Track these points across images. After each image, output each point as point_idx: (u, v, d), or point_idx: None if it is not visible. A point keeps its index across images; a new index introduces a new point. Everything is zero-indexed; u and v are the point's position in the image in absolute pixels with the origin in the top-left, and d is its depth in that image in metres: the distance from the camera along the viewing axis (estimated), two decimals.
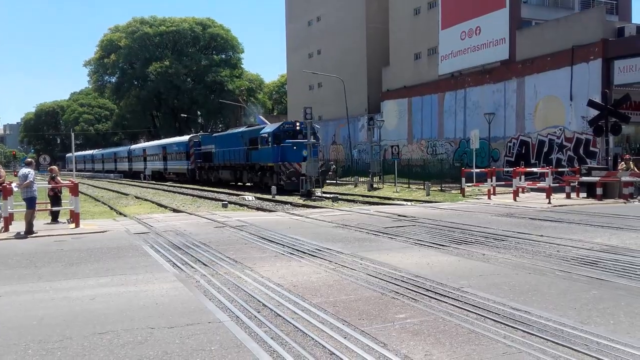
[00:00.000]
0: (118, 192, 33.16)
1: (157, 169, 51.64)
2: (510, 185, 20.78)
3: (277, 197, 23.46)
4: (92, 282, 7.17)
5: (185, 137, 45.89)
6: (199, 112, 78.01)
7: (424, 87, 37.57)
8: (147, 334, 4.98)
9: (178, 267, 8.14)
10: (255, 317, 5.48)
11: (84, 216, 15.93)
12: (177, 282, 7.13)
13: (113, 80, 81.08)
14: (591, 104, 21.65)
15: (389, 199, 22.78)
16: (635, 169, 19.84)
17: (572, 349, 4.45)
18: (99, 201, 25.80)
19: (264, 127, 30.36)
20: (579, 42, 25.22)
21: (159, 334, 5.00)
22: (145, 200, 25.66)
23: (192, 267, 8.06)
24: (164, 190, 33.88)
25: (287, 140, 27.50)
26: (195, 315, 5.54)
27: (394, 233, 11.35)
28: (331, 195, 23.76)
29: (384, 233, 11.39)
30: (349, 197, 23.69)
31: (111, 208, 21.69)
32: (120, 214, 18.80)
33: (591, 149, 25.03)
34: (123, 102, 79.96)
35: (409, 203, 20.00)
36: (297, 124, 28.34)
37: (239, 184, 34.69)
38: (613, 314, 5.37)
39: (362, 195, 25.24)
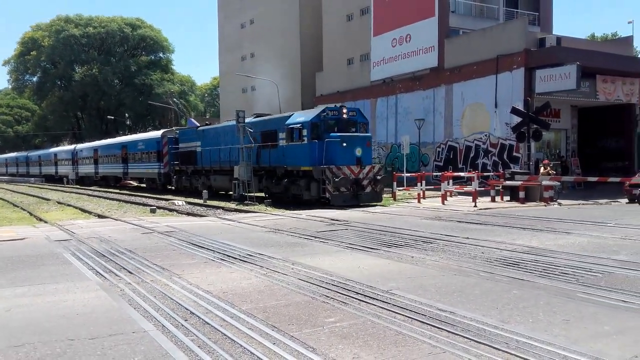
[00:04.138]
0: (39, 197, 31.56)
1: (114, 174, 42.34)
2: (439, 189, 21.39)
3: (209, 202, 23.02)
4: (7, 293, 6.77)
5: (157, 133, 36.72)
6: (126, 114, 75.66)
7: (357, 93, 38.08)
8: (66, 346, 4.76)
9: (101, 275, 7.82)
10: (183, 325, 5.33)
11: (0, 222, 15.08)
12: (100, 291, 6.85)
13: (34, 79, 77.30)
14: (514, 111, 22.62)
15: (322, 202, 22.77)
16: (554, 173, 20.93)
17: (493, 347, 4.60)
18: (18, 207, 24.48)
19: (290, 116, 21.74)
20: (503, 51, 26.28)
21: (79, 345, 4.78)
22: (68, 205, 24.55)
23: (117, 276, 7.77)
24: (88, 195, 32.52)
25: (331, 134, 19.56)
26: (118, 325, 5.34)
27: (326, 237, 11.40)
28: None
29: (316, 237, 11.42)
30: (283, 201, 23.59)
31: (31, 214, 20.63)
32: (41, 220, 17.91)
33: (514, 154, 26.12)
34: (45, 102, 76.36)
35: (347, 209, 20.17)
36: (345, 110, 20.44)
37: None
38: (532, 313, 5.60)
39: (295, 199, 25.02)
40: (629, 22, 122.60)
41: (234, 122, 24.86)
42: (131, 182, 41.22)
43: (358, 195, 19.42)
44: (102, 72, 67.60)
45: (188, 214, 19.13)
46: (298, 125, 20.32)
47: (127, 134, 55.89)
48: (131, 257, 9.21)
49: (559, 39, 27.21)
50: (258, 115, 25.21)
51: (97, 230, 13.16)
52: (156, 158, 34.14)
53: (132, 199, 27.54)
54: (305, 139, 20.01)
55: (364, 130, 20.87)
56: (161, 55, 75.87)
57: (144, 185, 37.75)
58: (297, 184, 20.63)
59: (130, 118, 77.34)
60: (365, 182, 19.60)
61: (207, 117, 72.45)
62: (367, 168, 19.70)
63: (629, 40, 32.63)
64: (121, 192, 34.73)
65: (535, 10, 35.40)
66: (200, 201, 23.43)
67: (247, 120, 24.09)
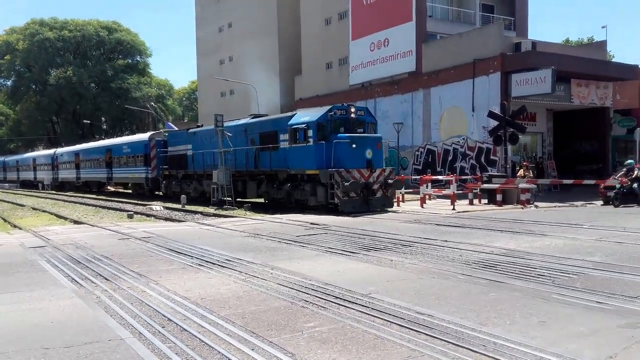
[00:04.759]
0: (13, 203, 31.03)
1: (97, 179, 40.83)
2: (418, 193, 21.52)
3: (187, 207, 22.83)
4: None
5: (144, 136, 35.00)
6: (103, 119, 74.67)
7: (336, 97, 38.08)
8: (40, 355, 4.68)
9: (77, 282, 7.70)
10: (160, 332, 5.27)
11: None
12: (75, 298, 6.74)
13: (8, 83, 76.01)
14: (491, 115, 22.88)
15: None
16: (531, 175, 21.21)
17: (471, 349, 4.63)
18: None
19: (292, 116, 20.35)
20: (480, 56, 26.57)
21: (54, 354, 4.70)
22: (44, 211, 24.18)
23: (93, 282, 7.66)
24: (65, 200, 32.06)
25: (339, 135, 18.42)
26: (94, 333, 5.26)
27: (305, 241, 11.39)
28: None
29: (295, 242, 11.40)
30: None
31: (5, 220, 20.27)
32: (15, 226, 17.59)
33: (491, 157, 26.40)
34: (19, 106, 75.08)
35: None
36: (353, 109, 19.29)
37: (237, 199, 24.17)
38: (509, 315, 5.65)
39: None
40: (603, 27, 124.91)
41: (235, 122, 24.14)
42: (109, 187, 40.53)
43: (368, 201, 18.24)
44: (76, 74, 66.63)
45: (166, 219, 18.96)
46: (303, 126, 18.99)
47: (104, 138, 55.00)
48: (107, 264, 9.09)
49: (534, 44, 27.58)
50: (255, 116, 23.98)
51: (72, 237, 12.97)
52: (143, 162, 32.41)
53: (109, 204, 27.20)
54: (311, 140, 18.73)
55: (373, 131, 19.68)
56: (138, 59, 75.17)
57: (130, 190, 36.25)
58: (302, 189, 19.40)
59: (106, 122, 76.36)
60: (375, 187, 18.43)
61: (185, 121, 71.79)
62: (378, 171, 18.55)
63: (602, 45, 33.22)
64: (98, 197, 34.22)
65: (511, 15, 35.90)
66: (179, 206, 23.21)
67: (245, 121, 23.52)
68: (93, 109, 70.75)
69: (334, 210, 18.01)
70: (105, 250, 10.56)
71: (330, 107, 19.26)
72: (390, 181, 18.71)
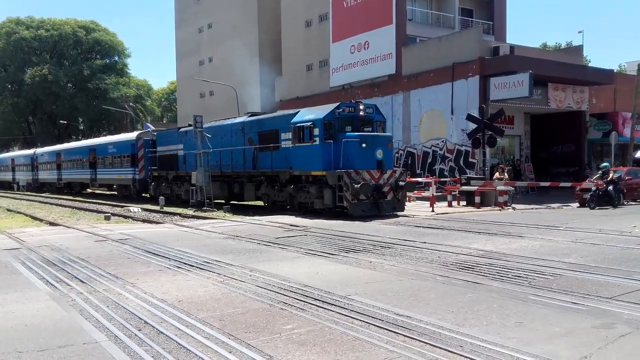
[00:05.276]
0: None
1: (80, 180, 39.14)
2: None
3: (166, 208, 22.60)
4: None
5: (131, 135, 33.30)
6: (80, 119, 73.53)
7: (316, 99, 38.01)
8: (14, 358, 4.60)
9: (52, 285, 7.57)
10: (136, 335, 5.21)
11: None
12: (50, 301, 6.63)
13: None
14: (469, 118, 23.09)
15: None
16: (507, 177, 21.44)
17: (448, 350, 4.66)
18: None
19: (295, 113, 19.12)
20: (459, 59, 26.80)
21: (27, 358, 4.62)
22: (18, 213, 23.74)
23: (68, 285, 7.53)
24: (41, 202, 31.54)
25: (348, 134, 17.36)
26: (69, 336, 5.18)
27: (285, 243, 11.36)
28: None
29: (275, 243, 11.36)
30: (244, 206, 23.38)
31: None
32: None
33: (470, 160, 26.63)
34: None
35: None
36: (362, 106, 18.12)
37: (232, 202, 23.49)
38: (486, 316, 5.70)
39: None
40: (579, 32, 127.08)
41: (232, 121, 23.16)
42: (88, 189, 39.75)
43: (379, 204, 17.16)
44: (52, 73, 65.53)
45: (144, 220, 18.76)
46: (308, 124, 17.76)
47: (81, 139, 54.07)
48: (83, 266, 8.96)
49: (512, 48, 27.93)
50: (253, 114, 22.84)
51: (48, 239, 12.75)
52: (130, 163, 30.74)
53: (87, 206, 26.80)
54: (317, 139, 17.49)
55: (382, 130, 18.65)
56: (116, 59, 74.16)
57: (116, 192, 34.44)
58: (306, 191, 18.21)
59: (84, 123, 75.11)
60: (386, 189, 17.31)
61: (164, 122, 71.15)
62: (388, 172, 17.48)
63: (579, 49, 33.77)
64: (75, 198, 33.70)
65: (489, 19, 36.30)
66: (157, 208, 22.98)
67: (242, 119, 22.47)
68: (70, 110, 69.61)
69: (342, 214, 17.14)
70: (81, 253, 10.40)
71: (338, 104, 18.21)
72: (401, 183, 17.62)
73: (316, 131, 17.56)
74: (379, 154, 17.42)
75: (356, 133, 17.39)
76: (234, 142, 21.92)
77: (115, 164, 33.05)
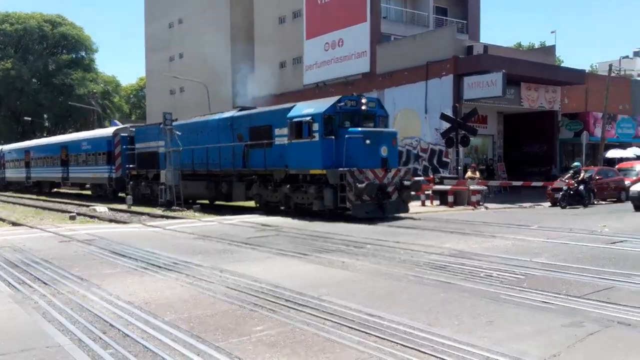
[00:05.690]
0: None
1: (50, 178, 37.29)
2: None
3: (134, 208, 22.11)
4: None
5: (107, 130, 31.30)
6: (45, 116, 71.84)
7: (290, 96, 37.93)
8: None
9: (14, 287, 7.33)
10: (101, 339, 5.06)
11: None
12: (12, 304, 6.42)
13: None
14: (443, 117, 23.22)
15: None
16: (479, 177, 21.64)
17: (420, 350, 4.62)
18: None
19: (291, 108, 17.89)
20: (433, 58, 26.94)
21: None
22: None
23: (31, 287, 7.30)
24: (3, 201, 30.67)
25: (350, 130, 16.16)
26: (31, 340, 5.02)
27: (256, 243, 11.23)
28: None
29: (246, 244, 11.22)
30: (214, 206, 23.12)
31: None
32: None
33: (444, 159, 26.82)
34: None
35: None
36: (364, 100, 16.90)
37: (218, 202, 22.37)
38: (458, 315, 5.67)
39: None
40: (552, 32, 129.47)
41: (218, 116, 21.92)
42: (56, 189, 38.71)
43: (383, 205, 16.13)
44: (15, 68, 63.84)
45: (110, 220, 18.39)
46: (307, 119, 16.47)
47: (46, 136, 52.60)
48: (47, 267, 8.70)
49: (485, 47, 28.19)
50: (243, 109, 21.63)
51: (10, 239, 12.37)
52: (106, 160, 29.11)
53: (51, 205, 26.14)
54: (317, 135, 16.27)
55: (384, 125, 17.55)
56: (83, 54, 72.59)
57: (90, 192, 32.66)
58: (304, 191, 16.96)
59: (49, 120, 73.36)
60: (390, 189, 16.26)
61: (133, 119, 69.92)
62: (393, 171, 16.43)
63: (551, 49, 34.32)
64: (39, 197, 32.84)
65: (463, 18, 36.66)
66: (124, 207, 22.50)
67: (230, 114, 21.13)
68: (35, 106, 67.86)
69: (344, 217, 16.14)
70: (44, 254, 10.10)
71: (340, 97, 17.08)
72: (406, 183, 16.50)
73: (316, 126, 16.32)
74: (384, 151, 16.28)
75: (359, 129, 16.18)
76: (222, 139, 20.54)
77: (90, 162, 31.43)
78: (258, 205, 19.43)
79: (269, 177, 18.45)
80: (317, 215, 16.61)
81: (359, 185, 15.27)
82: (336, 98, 17.02)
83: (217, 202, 22.48)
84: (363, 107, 16.66)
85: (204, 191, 21.76)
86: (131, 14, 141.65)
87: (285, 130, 17.49)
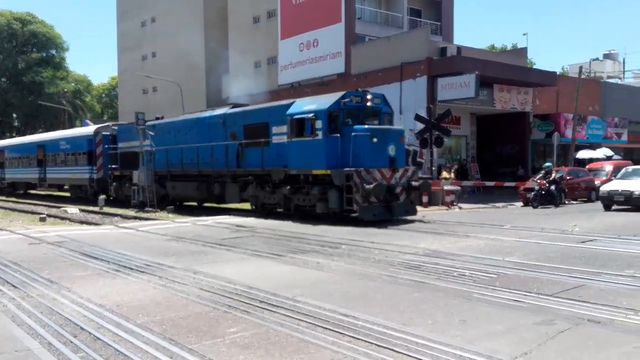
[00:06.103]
0: None
1: (26, 179, 35.58)
2: None
3: (106, 209, 21.74)
4: None
5: (88, 129, 29.87)
6: (14, 115, 70.26)
7: (265, 96, 37.73)
8: None
9: None
10: (71, 342, 4.99)
11: None
12: None
13: None
14: (417, 118, 23.34)
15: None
16: (453, 177, 21.84)
17: (394, 350, 4.65)
18: None
19: (290, 104, 16.82)
20: (407, 59, 27.06)
21: None
22: None
23: None
24: None
25: (356, 127, 15.11)
26: (0, 344, 4.93)
27: (231, 244, 11.16)
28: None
29: (220, 245, 11.14)
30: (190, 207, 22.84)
31: None
32: None
33: (418, 159, 26.92)
34: None
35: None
36: (369, 96, 15.95)
37: (207, 204, 21.36)
38: (431, 315, 5.72)
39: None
40: (524, 35, 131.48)
41: (210, 113, 20.90)
42: (22, 190, 37.33)
43: (391, 207, 15.27)
44: None
45: (82, 222, 18.07)
46: (309, 116, 15.40)
47: (14, 136, 51.24)
48: (16, 270, 8.52)
49: (459, 49, 28.42)
50: (235, 106, 20.44)
51: None
52: (86, 160, 27.70)
53: (21, 206, 25.55)
54: (320, 133, 15.24)
55: (389, 123, 16.55)
56: (54, 52, 71.19)
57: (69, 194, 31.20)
58: (306, 193, 15.96)
59: (18, 119, 71.79)
60: (398, 190, 15.37)
61: (105, 118, 68.68)
62: (401, 171, 15.58)
63: (523, 51, 34.75)
64: (8, 199, 31.97)
65: (437, 20, 36.96)
66: (96, 208, 22.10)
67: (224, 111, 20.09)
68: (3, 105, 66.34)
69: (349, 220, 15.48)
70: (13, 256, 9.89)
71: (344, 93, 16.02)
72: (414, 183, 15.67)
73: (319, 124, 15.28)
74: (391, 150, 15.39)
75: (365, 126, 15.20)
76: (213, 137, 19.31)
77: (69, 162, 29.85)
78: (254, 207, 18.36)
79: (266, 177, 17.36)
80: (320, 218, 15.74)
81: (367, 186, 14.40)
82: (340, 94, 16.00)
83: (207, 204, 21.60)
84: (368, 104, 15.80)
85: (194, 192, 20.65)
86: (103, 13, 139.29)
87: (283, 128, 16.52)
